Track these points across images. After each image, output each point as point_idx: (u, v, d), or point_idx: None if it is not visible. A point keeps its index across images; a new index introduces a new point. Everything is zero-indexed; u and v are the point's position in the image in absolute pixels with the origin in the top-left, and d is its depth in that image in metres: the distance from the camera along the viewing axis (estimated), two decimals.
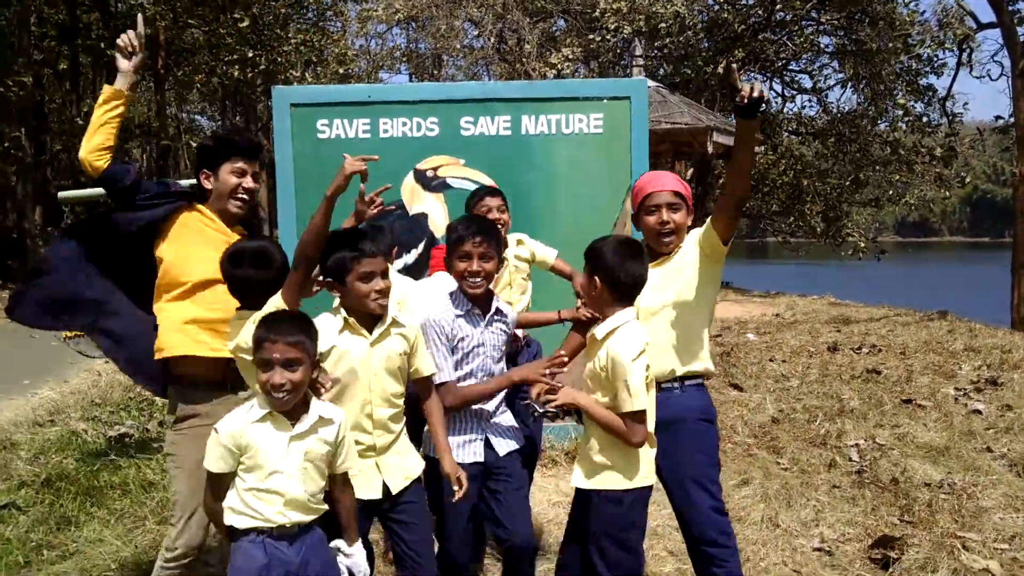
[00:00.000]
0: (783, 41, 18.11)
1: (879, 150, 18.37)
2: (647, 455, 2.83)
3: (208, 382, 3.09)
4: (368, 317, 2.80)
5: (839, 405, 6.92)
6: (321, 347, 2.69)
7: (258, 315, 2.67)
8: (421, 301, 3.61)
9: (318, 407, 2.53)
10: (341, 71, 23.81)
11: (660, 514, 4.32)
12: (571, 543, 2.98)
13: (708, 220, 3.05)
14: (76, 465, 5.52)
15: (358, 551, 2.66)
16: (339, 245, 2.77)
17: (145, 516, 4.66)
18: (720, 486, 3.09)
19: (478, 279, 3.04)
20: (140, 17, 3.50)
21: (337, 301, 2.85)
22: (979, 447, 5.80)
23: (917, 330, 10.86)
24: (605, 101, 5.84)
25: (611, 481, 2.78)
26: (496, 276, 3.33)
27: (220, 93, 27.04)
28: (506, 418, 3.22)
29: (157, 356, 3.12)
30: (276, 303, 2.71)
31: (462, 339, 3.05)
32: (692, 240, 3.11)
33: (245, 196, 3.21)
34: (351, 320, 2.77)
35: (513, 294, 4.01)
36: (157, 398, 7.52)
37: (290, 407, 2.47)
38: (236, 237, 3.15)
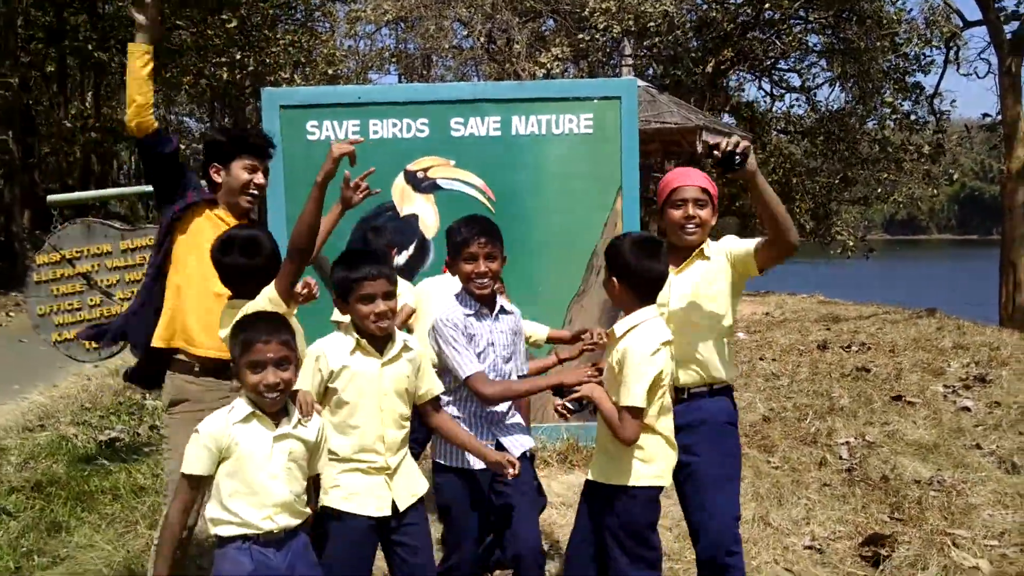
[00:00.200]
0: (772, 40, 18.16)
1: (868, 148, 18.45)
2: (667, 456, 2.84)
3: (205, 369, 3.18)
4: (378, 338, 2.79)
5: (829, 403, 6.94)
6: (333, 366, 2.71)
7: (251, 305, 2.67)
8: (440, 296, 3.63)
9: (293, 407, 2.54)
10: (330, 72, 23.73)
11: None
12: (580, 536, 2.98)
13: (752, 246, 3.04)
14: (66, 470, 5.50)
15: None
16: (344, 265, 2.77)
17: (136, 521, 4.64)
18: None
19: (485, 279, 3.06)
20: None
21: (343, 317, 2.85)
22: (968, 444, 5.84)
23: (906, 328, 10.90)
24: (595, 101, 5.85)
25: (629, 477, 2.79)
26: None
27: (208, 95, 26.94)
28: (516, 420, 3.22)
29: (161, 344, 3.24)
30: (269, 293, 2.70)
31: (475, 335, 3.06)
32: (722, 251, 3.11)
33: (255, 192, 3.33)
34: (363, 342, 2.76)
35: None
36: (147, 402, 7.53)
37: (280, 407, 2.47)
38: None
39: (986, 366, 8.12)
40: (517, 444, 3.13)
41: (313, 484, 2.65)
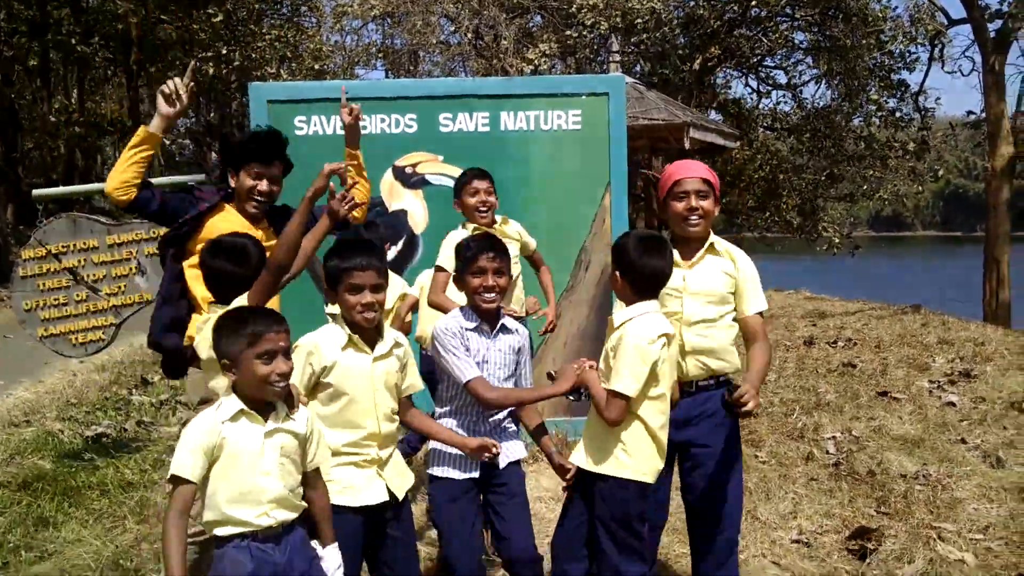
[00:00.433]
0: (758, 37, 18.20)
1: (853, 145, 18.51)
2: (650, 455, 2.85)
3: None
4: (369, 333, 2.80)
5: (816, 399, 6.98)
6: (325, 362, 2.72)
7: (220, 313, 2.64)
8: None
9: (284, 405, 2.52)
10: (316, 67, 23.61)
11: None
12: (570, 524, 3.00)
13: (745, 312, 3.17)
14: (53, 465, 5.48)
15: (331, 553, 2.59)
16: (336, 254, 2.79)
17: (124, 516, 4.63)
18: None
19: (492, 294, 3.06)
20: (192, 64, 3.74)
21: (338, 309, 2.85)
22: (953, 439, 5.88)
23: (891, 324, 10.98)
24: (584, 97, 5.87)
25: (619, 468, 2.82)
26: None
27: (195, 90, 26.79)
28: (511, 429, 3.22)
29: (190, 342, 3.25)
30: (242, 303, 2.69)
31: (467, 351, 3.04)
32: (729, 259, 3.16)
33: (259, 198, 3.43)
34: (354, 337, 2.77)
35: None
36: (134, 398, 7.50)
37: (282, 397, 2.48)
38: (259, 233, 3.34)
39: (971, 361, 8.18)
40: (508, 452, 3.13)
41: (314, 476, 2.62)
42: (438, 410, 3.17)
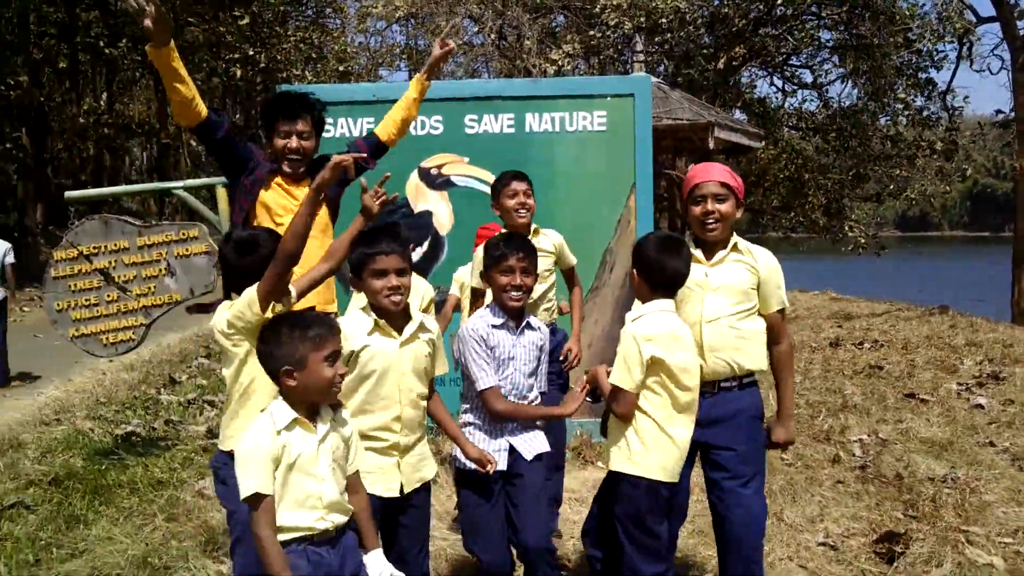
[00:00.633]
0: (784, 36, 18.07)
1: (880, 145, 18.33)
2: (664, 449, 2.88)
3: None
4: (396, 318, 2.83)
5: (842, 400, 6.94)
6: (353, 346, 2.75)
7: (226, 304, 2.69)
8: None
9: (327, 410, 2.54)
10: (341, 68, 23.77)
11: None
12: (594, 513, 3.13)
13: (770, 308, 3.16)
14: (83, 464, 5.55)
15: (373, 559, 2.60)
16: (360, 242, 2.85)
17: (154, 514, 4.68)
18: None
19: (519, 292, 3.13)
20: None
21: (364, 300, 2.88)
22: (982, 441, 5.83)
23: (918, 325, 10.89)
24: (609, 98, 5.87)
25: (630, 466, 2.88)
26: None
27: (220, 91, 27.03)
28: (532, 425, 3.25)
29: None
30: (250, 294, 2.68)
31: (497, 346, 3.13)
32: (757, 264, 3.15)
33: (292, 156, 3.46)
34: (381, 322, 2.81)
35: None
36: (162, 397, 7.58)
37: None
38: (301, 193, 3.37)
39: (999, 363, 8.10)
40: (529, 448, 3.17)
41: (356, 479, 2.63)
42: (464, 406, 3.24)
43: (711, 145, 11.30)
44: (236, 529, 2.78)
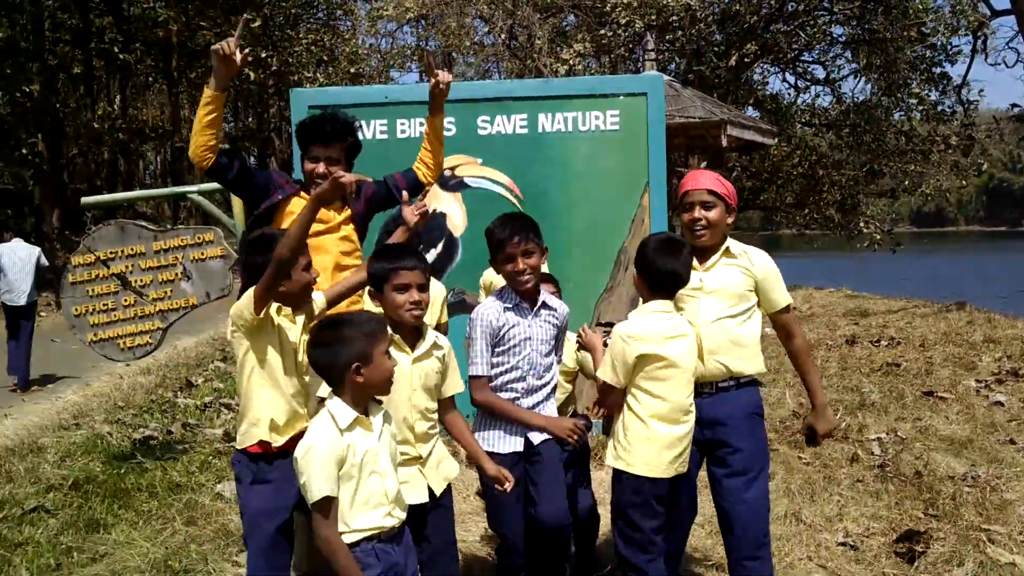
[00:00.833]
0: (796, 32, 17.97)
1: (894, 140, 18.21)
2: (657, 451, 2.95)
3: None
4: (409, 333, 2.84)
5: (860, 398, 6.90)
6: None
7: (233, 304, 2.73)
8: None
9: (374, 405, 2.57)
10: (352, 70, 23.84)
11: None
12: None
13: (776, 305, 3.25)
14: (103, 468, 5.58)
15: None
16: (381, 256, 2.86)
17: (173, 517, 4.70)
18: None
19: (525, 276, 3.15)
20: (244, 18, 3.75)
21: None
22: (1002, 439, 5.78)
23: (935, 322, 10.81)
24: (621, 98, 5.84)
25: (616, 460, 3.03)
26: None
27: (233, 94, 27.14)
28: (549, 412, 3.28)
29: None
30: (250, 294, 2.71)
31: (511, 328, 3.14)
32: (753, 266, 3.21)
33: (319, 181, 3.44)
34: (396, 337, 2.80)
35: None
36: (179, 401, 7.62)
37: None
38: (327, 214, 3.40)
39: (1018, 360, 8.03)
40: (540, 435, 3.20)
41: None
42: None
43: (724, 143, 11.26)
44: (245, 524, 2.88)
